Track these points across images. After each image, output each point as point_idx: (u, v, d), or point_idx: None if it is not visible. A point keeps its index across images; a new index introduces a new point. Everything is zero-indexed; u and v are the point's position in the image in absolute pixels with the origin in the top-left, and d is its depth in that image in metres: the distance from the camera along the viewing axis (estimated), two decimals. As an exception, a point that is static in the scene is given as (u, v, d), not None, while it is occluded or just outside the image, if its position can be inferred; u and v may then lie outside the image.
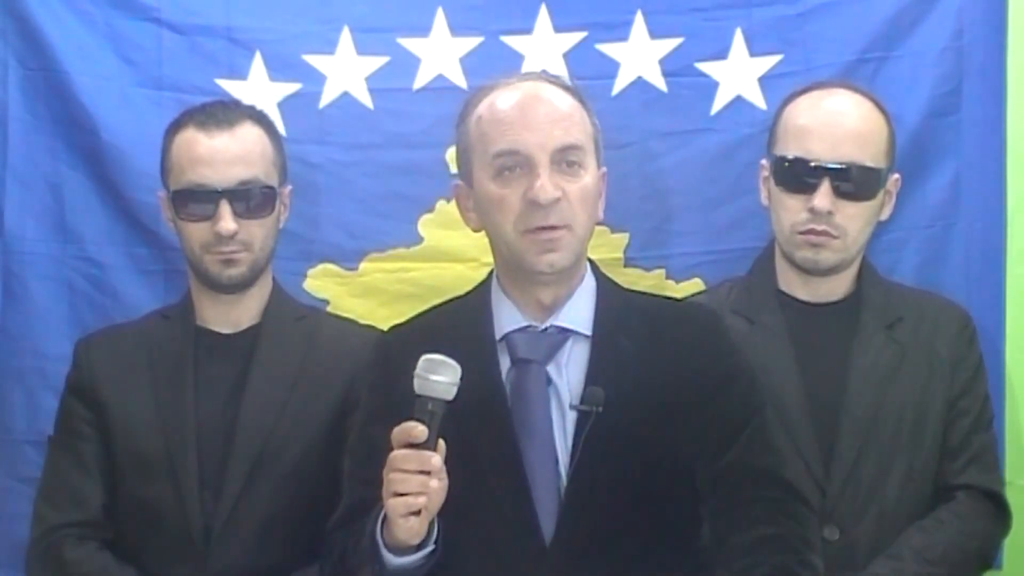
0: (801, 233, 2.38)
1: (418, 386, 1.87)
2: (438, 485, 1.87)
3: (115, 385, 2.43)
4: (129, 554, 2.38)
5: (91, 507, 2.40)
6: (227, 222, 2.37)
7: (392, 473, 1.86)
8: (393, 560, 1.92)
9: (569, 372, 2.06)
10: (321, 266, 2.79)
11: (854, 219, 2.37)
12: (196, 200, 2.39)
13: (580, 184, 2.04)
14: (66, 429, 2.46)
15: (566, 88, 2.11)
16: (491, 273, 2.17)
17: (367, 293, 2.78)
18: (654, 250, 2.78)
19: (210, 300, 2.46)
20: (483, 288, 2.16)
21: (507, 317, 2.10)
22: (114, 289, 2.75)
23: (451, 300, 2.24)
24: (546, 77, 2.14)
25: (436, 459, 1.86)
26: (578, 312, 2.09)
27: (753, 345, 2.39)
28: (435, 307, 2.24)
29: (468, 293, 2.21)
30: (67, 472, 2.42)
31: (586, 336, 2.08)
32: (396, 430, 1.87)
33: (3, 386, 2.72)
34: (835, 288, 2.45)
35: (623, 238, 2.79)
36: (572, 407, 2.02)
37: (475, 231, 2.15)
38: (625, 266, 2.78)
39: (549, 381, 2.05)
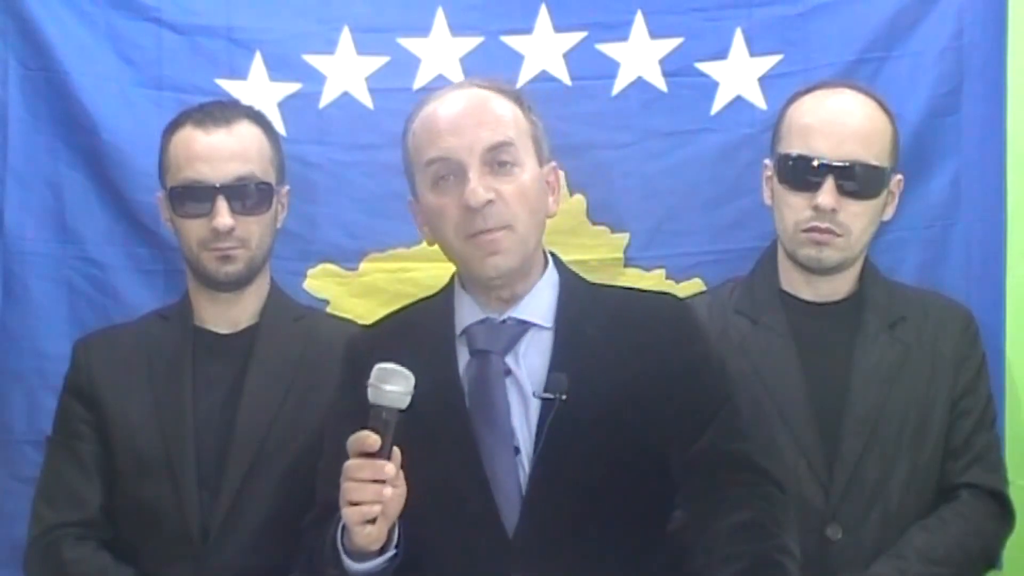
0: (805, 231, 2.37)
1: (371, 395, 1.88)
2: (393, 493, 1.87)
3: (113, 385, 2.43)
4: (127, 554, 2.38)
5: (89, 507, 2.39)
6: (224, 217, 2.37)
7: (347, 482, 1.87)
8: (354, 566, 1.93)
9: (529, 362, 2.06)
10: (321, 266, 2.80)
11: (858, 217, 2.37)
12: (193, 196, 2.39)
13: (516, 183, 2.04)
14: (64, 429, 2.45)
15: (500, 90, 2.11)
16: (454, 274, 2.17)
17: (367, 293, 2.78)
18: (654, 250, 2.79)
19: (208, 299, 2.46)
20: (447, 288, 2.18)
21: (467, 311, 2.11)
22: (114, 289, 2.75)
23: (418, 301, 2.25)
24: (479, 83, 2.14)
25: (390, 467, 1.86)
26: (538, 305, 2.10)
27: (756, 345, 2.40)
28: (402, 308, 2.26)
29: (435, 294, 2.22)
30: (66, 472, 2.42)
31: (547, 328, 2.08)
32: (350, 439, 1.88)
33: (3, 386, 2.72)
34: (838, 287, 2.45)
35: (623, 238, 2.79)
36: (536, 395, 2.01)
37: (430, 244, 2.15)
38: (625, 266, 2.79)
39: (508, 372, 2.06)
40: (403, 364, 1.90)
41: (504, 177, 2.04)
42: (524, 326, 2.08)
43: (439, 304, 2.16)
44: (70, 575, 2.35)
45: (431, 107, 2.09)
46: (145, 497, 2.37)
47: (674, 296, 2.29)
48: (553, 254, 2.17)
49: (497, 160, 2.04)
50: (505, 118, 2.07)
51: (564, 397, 1.98)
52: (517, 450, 2.02)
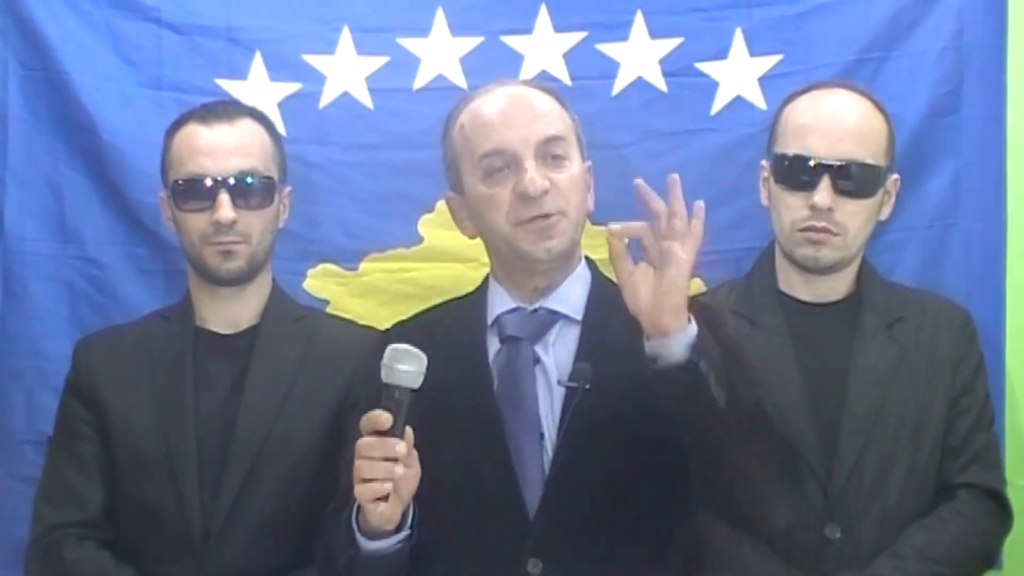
0: (801, 230, 2.37)
1: (384, 375, 1.89)
2: (404, 472, 1.88)
3: (114, 386, 2.43)
4: (128, 554, 2.38)
5: (90, 507, 2.39)
6: (226, 210, 2.37)
7: (359, 460, 1.88)
8: (367, 544, 1.94)
9: (558, 353, 2.09)
10: (321, 266, 2.80)
11: (854, 216, 2.37)
12: (195, 190, 2.39)
13: (567, 173, 2.09)
14: (65, 430, 2.46)
15: (542, 88, 2.17)
16: (488, 273, 2.19)
17: (367, 293, 2.79)
18: (654, 250, 2.79)
19: (209, 298, 2.46)
20: (481, 285, 2.21)
21: (499, 301, 2.15)
22: (114, 289, 2.75)
23: (452, 299, 2.27)
24: (521, 81, 2.22)
25: (401, 446, 1.87)
26: (569, 297, 2.13)
27: (754, 346, 2.39)
28: (437, 304, 2.28)
29: (469, 292, 2.24)
30: (67, 472, 2.42)
31: (576, 320, 2.12)
32: (363, 418, 1.89)
33: (3, 386, 2.73)
34: (835, 288, 2.45)
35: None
36: (560, 383, 2.04)
37: (471, 239, 2.18)
38: (625, 266, 2.78)
39: (537, 360, 2.09)
40: (433, 354, 1.91)
41: (557, 169, 2.08)
42: (554, 316, 2.12)
43: (472, 299, 2.20)
44: (71, 575, 2.35)
45: (478, 103, 2.14)
46: (146, 497, 2.37)
47: (701, 301, 2.31)
48: (587, 257, 2.19)
49: (551, 153, 2.08)
50: (554, 113, 2.12)
51: (588, 386, 2.01)
52: (542, 436, 2.05)
